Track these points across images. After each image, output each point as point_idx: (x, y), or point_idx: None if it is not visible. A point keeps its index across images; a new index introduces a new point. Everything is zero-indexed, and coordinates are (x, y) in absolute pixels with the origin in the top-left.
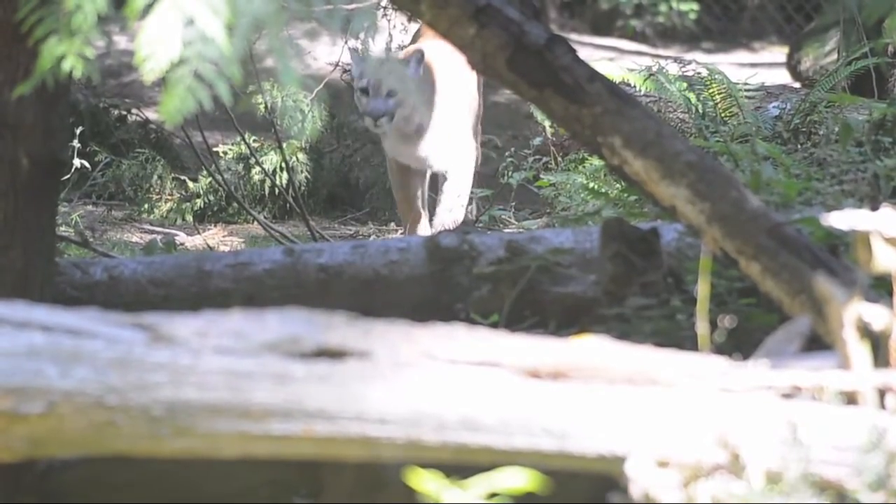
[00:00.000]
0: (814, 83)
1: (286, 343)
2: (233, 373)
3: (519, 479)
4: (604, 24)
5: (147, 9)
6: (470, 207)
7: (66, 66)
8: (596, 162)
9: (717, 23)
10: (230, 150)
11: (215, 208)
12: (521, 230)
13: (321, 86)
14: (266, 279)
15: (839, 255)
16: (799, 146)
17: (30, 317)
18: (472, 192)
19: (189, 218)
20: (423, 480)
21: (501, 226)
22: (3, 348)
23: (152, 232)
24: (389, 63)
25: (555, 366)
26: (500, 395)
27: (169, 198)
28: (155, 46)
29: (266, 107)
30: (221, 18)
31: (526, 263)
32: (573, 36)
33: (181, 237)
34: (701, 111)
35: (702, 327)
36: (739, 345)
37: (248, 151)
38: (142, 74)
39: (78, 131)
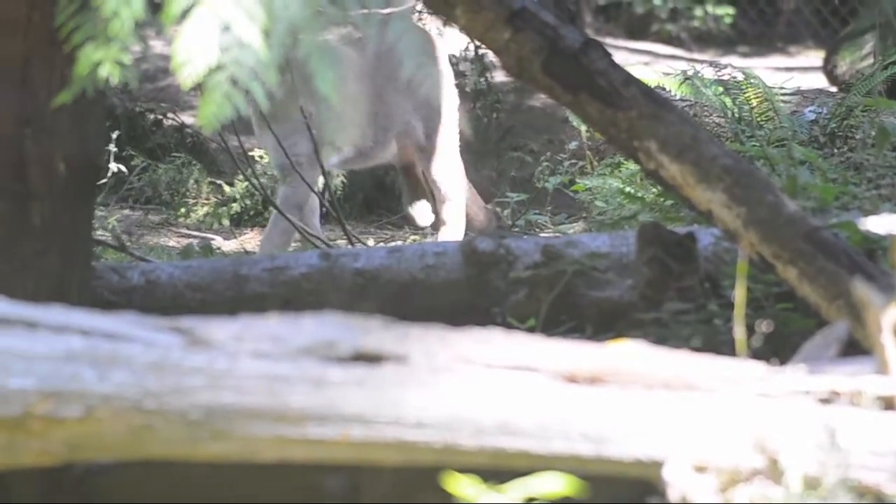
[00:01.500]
0: (850, 87)
1: (323, 347)
2: (270, 377)
3: (556, 484)
4: (639, 29)
5: (184, 14)
6: (506, 212)
7: (104, 72)
8: (632, 166)
9: (753, 27)
10: (266, 154)
11: (251, 212)
12: (557, 234)
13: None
14: (302, 283)
15: (876, 259)
16: (835, 150)
17: (67, 321)
18: (508, 197)
19: (225, 222)
20: (460, 485)
21: (538, 230)
22: (41, 352)
23: (189, 236)
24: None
25: (592, 370)
26: (538, 400)
27: (205, 202)
28: (192, 52)
29: (302, 111)
30: (258, 24)
31: (562, 268)
32: (608, 40)
33: (217, 241)
34: (737, 115)
35: (739, 332)
36: (777, 350)
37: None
38: (179, 80)
39: (114, 136)
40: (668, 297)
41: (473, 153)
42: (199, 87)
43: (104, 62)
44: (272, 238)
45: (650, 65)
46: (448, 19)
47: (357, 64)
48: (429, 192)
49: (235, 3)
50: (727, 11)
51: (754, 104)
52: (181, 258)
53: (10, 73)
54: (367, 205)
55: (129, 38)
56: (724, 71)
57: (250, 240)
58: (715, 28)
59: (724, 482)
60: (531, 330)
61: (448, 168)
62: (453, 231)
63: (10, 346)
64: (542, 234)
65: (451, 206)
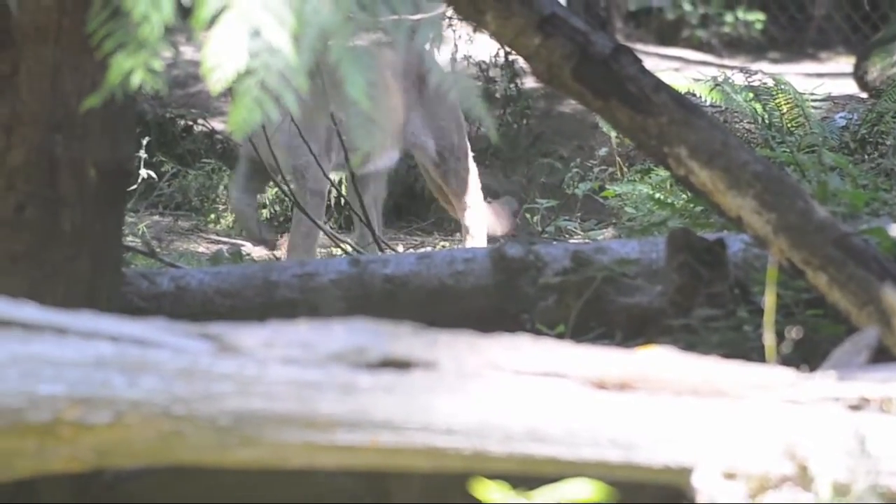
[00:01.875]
0: (881, 93)
1: (352, 353)
2: (299, 383)
3: (585, 490)
4: (670, 35)
5: (213, 19)
6: (536, 218)
7: (135, 79)
8: (662, 172)
9: (784, 33)
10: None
11: (281, 218)
12: (586, 241)
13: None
14: (332, 289)
15: None
16: (866, 156)
17: (97, 327)
18: (537, 203)
19: None
20: (489, 491)
21: (567, 236)
22: (71, 358)
23: (218, 242)
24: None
25: (621, 377)
26: (566, 406)
27: None
28: (221, 57)
29: (332, 118)
30: (288, 29)
31: (592, 274)
32: (639, 46)
33: (247, 247)
34: (767, 121)
35: (768, 338)
36: (806, 356)
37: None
38: (208, 85)
39: (145, 142)
40: (698, 303)
41: (503, 159)
42: (228, 93)
43: (136, 69)
44: (296, 244)
45: (680, 71)
46: (478, 25)
47: (391, 68)
48: (448, 200)
49: (265, 8)
50: (758, 17)
51: (785, 110)
52: (211, 264)
53: (41, 79)
54: (396, 211)
55: (159, 43)
56: (754, 77)
57: (280, 246)
58: (745, 34)
59: (754, 489)
60: (560, 336)
61: (464, 175)
62: (477, 237)
63: (39, 353)
64: (572, 241)
65: (472, 212)
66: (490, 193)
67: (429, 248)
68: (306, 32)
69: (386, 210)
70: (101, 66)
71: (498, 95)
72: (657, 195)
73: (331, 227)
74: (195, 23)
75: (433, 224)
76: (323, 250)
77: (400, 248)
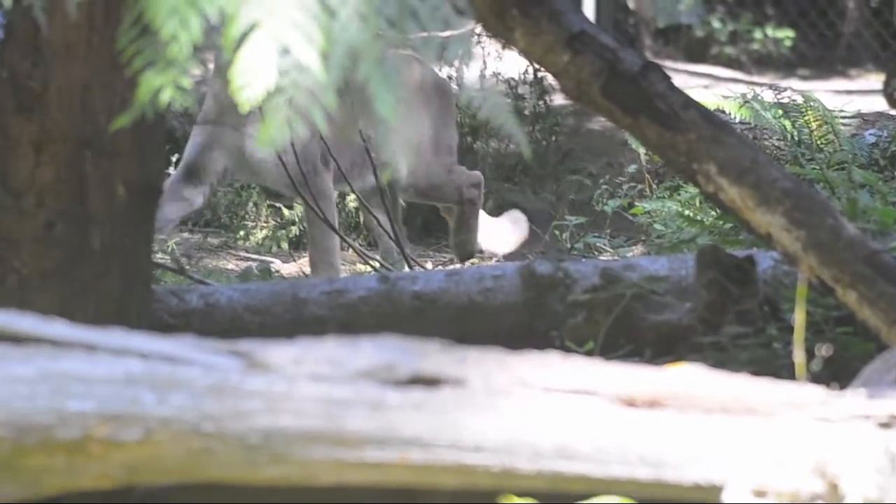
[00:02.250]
0: None
1: (381, 370)
2: (328, 400)
3: None
4: (698, 52)
5: (242, 37)
6: (565, 235)
7: (165, 97)
8: (691, 189)
9: (813, 50)
10: None
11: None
12: (616, 258)
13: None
14: (361, 306)
15: None
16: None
17: (127, 344)
18: (567, 220)
19: (284, 245)
20: None
21: (596, 253)
22: (101, 375)
23: (248, 259)
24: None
25: (650, 394)
26: (596, 424)
27: (264, 225)
28: (251, 76)
29: (361, 134)
30: (316, 47)
31: (621, 291)
32: (668, 63)
33: (276, 264)
34: (796, 138)
35: (798, 356)
36: (836, 374)
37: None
38: (238, 104)
39: (174, 159)
40: (727, 320)
41: (532, 176)
42: (258, 110)
43: (165, 87)
44: (316, 261)
45: (709, 88)
46: (507, 42)
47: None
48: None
49: (294, 26)
50: (787, 34)
51: (814, 127)
52: (240, 281)
53: (70, 96)
54: (425, 228)
55: (188, 61)
56: (783, 94)
57: (309, 263)
58: (775, 51)
59: None
60: (589, 353)
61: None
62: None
63: (69, 369)
64: (601, 258)
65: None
66: (520, 210)
67: (457, 265)
68: (335, 50)
69: (414, 227)
70: (130, 84)
71: (527, 112)
72: (686, 212)
73: (359, 244)
74: (224, 41)
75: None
76: (347, 267)
77: (429, 265)
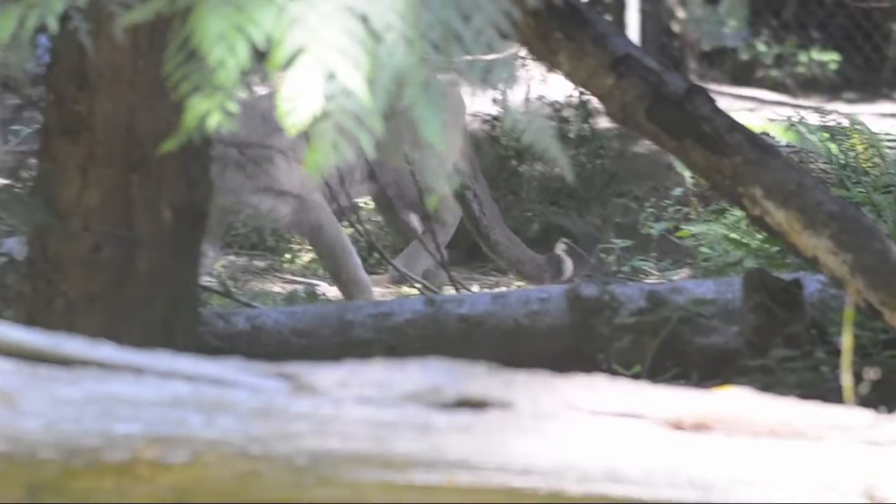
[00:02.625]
0: None
1: (428, 393)
2: (375, 423)
3: None
4: (743, 74)
5: (288, 62)
6: (611, 258)
7: (212, 122)
8: (737, 212)
9: (859, 73)
10: (371, 201)
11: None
12: (662, 281)
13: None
14: (407, 329)
15: None
16: None
17: (174, 366)
18: (612, 243)
19: None
20: None
21: (642, 276)
22: (148, 398)
23: (294, 282)
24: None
25: (698, 417)
26: (644, 447)
27: (310, 248)
28: (297, 101)
29: (407, 159)
30: (362, 72)
31: (667, 314)
32: (713, 86)
33: (322, 287)
34: (842, 161)
35: (846, 379)
36: (884, 397)
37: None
38: (284, 128)
39: None
40: (775, 343)
41: (578, 200)
42: (304, 135)
43: (211, 111)
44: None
45: (755, 111)
46: (551, 65)
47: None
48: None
49: (340, 51)
50: (833, 57)
51: (860, 150)
52: (286, 304)
53: (116, 120)
54: (471, 251)
55: (235, 86)
56: (829, 117)
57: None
58: (820, 74)
59: None
60: (636, 376)
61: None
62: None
63: (117, 392)
64: (647, 281)
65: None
66: (564, 234)
67: (503, 288)
68: (381, 75)
69: (460, 249)
70: (175, 108)
71: (572, 136)
72: (732, 235)
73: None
74: (270, 66)
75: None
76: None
77: (475, 288)
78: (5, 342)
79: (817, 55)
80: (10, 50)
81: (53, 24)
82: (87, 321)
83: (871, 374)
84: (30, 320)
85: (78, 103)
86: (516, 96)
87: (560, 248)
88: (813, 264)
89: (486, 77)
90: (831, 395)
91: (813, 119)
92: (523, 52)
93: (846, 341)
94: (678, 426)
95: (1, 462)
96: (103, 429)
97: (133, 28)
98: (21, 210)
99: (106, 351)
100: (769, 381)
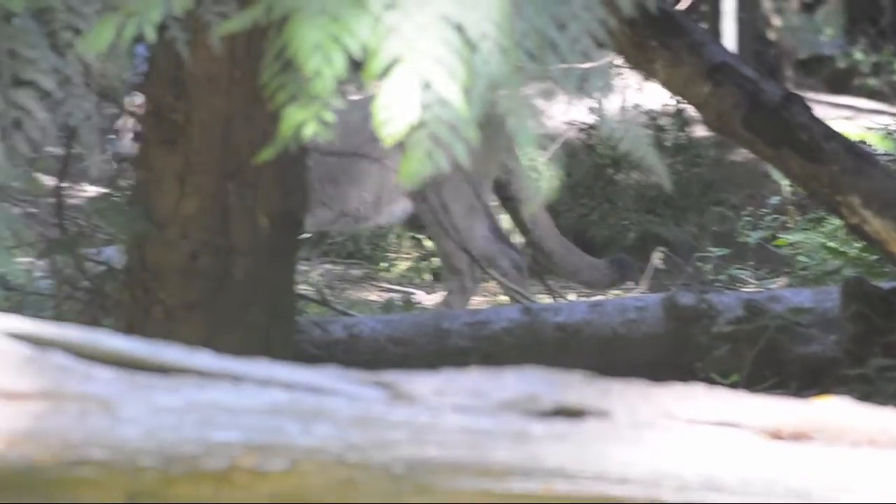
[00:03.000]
0: None
1: (524, 401)
2: (472, 431)
3: None
4: (840, 83)
5: (384, 72)
6: (707, 266)
7: (308, 131)
8: (835, 221)
9: None
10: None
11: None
12: (759, 290)
13: (557, 145)
14: (503, 337)
15: None
16: None
17: (271, 374)
18: (709, 251)
19: (426, 276)
20: None
21: (739, 285)
22: (247, 405)
23: (390, 290)
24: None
25: (796, 426)
26: (742, 456)
27: (406, 256)
28: (393, 111)
29: (502, 167)
30: (458, 81)
31: (765, 323)
32: (809, 94)
33: (418, 296)
34: None
35: None
36: None
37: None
38: (381, 138)
39: None
40: (873, 352)
41: (675, 208)
42: (399, 144)
43: (307, 121)
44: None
45: (852, 119)
46: (648, 74)
47: None
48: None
49: (436, 61)
50: None
51: None
52: (383, 312)
53: (213, 129)
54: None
55: (331, 96)
56: None
57: None
58: None
59: None
60: (734, 385)
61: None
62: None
63: (215, 400)
64: (745, 290)
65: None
66: (660, 242)
67: (600, 297)
68: (476, 84)
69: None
70: (272, 118)
71: (668, 144)
72: (830, 244)
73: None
74: (366, 75)
75: None
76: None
77: (571, 297)
78: (104, 350)
79: None
80: (108, 59)
81: (151, 34)
82: (184, 329)
83: None
84: (128, 328)
85: (175, 112)
86: (612, 105)
87: (657, 256)
88: None
89: (582, 85)
90: None
91: None
92: (619, 60)
93: None
94: (776, 435)
95: (101, 469)
96: (202, 436)
97: (230, 37)
98: (119, 219)
99: (204, 359)
100: (868, 391)
